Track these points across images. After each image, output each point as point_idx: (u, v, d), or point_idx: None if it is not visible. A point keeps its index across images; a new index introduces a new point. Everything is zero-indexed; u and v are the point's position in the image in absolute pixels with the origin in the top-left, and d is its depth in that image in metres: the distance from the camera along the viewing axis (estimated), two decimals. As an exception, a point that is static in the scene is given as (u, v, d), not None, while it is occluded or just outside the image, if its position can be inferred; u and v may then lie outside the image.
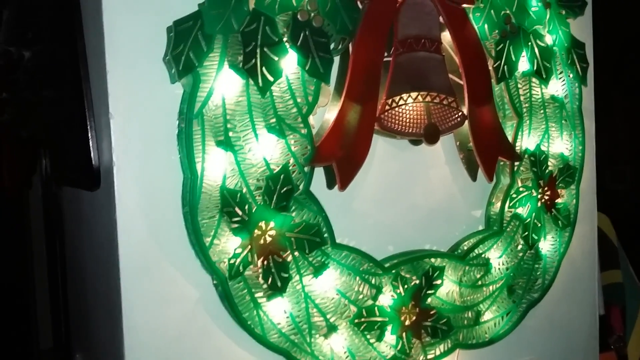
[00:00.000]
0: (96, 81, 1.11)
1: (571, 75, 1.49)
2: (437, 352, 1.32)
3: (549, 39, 1.44)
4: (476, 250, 1.37)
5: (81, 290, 1.57)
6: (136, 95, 1.05)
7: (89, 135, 1.13)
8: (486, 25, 1.34)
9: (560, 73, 1.48)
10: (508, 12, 1.36)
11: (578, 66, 1.50)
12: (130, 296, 1.05)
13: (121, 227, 1.04)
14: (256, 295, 1.11)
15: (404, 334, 1.26)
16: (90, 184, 1.16)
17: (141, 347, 1.06)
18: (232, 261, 1.07)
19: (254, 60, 1.05)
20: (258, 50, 1.06)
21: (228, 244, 1.07)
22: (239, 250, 1.08)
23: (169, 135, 1.07)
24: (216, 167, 1.05)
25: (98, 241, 1.21)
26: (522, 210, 1.42)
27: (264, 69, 1.06)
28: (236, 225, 1.07)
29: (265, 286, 1.11)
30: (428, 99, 1.25)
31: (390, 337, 1.24)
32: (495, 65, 1.35)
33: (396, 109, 1.22)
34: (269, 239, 1.10)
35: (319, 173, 1.21)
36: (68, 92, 1.25)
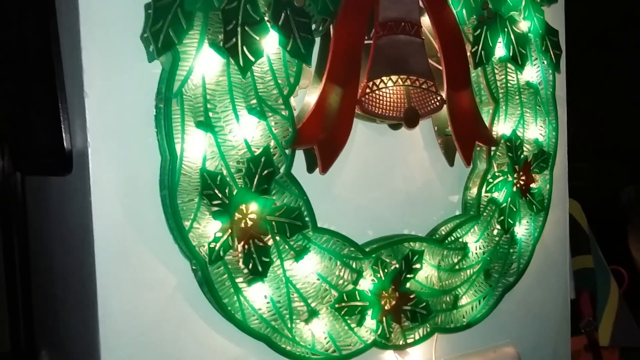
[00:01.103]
0: (68, 60, 1.07)
1: (545, 62, 1.51)
2: (417, 337, 1.32)
3: (524, 26, 1.45)
4: (454, 235, 1.37)
5: (48, 285, 1.52)
6: (112, 74, 1.01)
7: (61, 117, 1.09)
8: (464, 10, 1.34)
9: (535, 59, 1.49)
10: (485, -3, 1.37)
11: (552, 53, 1.52)
12: (106, 282, 1.02)
13: (96, 211, 1.01)
14: (236, 280, 1.08)
15: (384, 319, 1.25)
16: (61, 168, 1.11)
17: (117, 334, 1.03)
18: (212, 245, 1.05)
19: (234, 39, 1.03)
20: (239, 29, 1.03)
21: (208, 228, 1.05)
22: (219, 234, 1.05)
23: (146, 115, 1.03)
24: (196, 149, 1.02)
25: (70, 228, 1.17)
26: (498, 195, 1.43)
27: (244, 48, 1.04)
28: (216, 209, 1.04)
29: (245, 271, 1.08)
30: (408, 82, 1.24)
31: (370, 322, 1.24)
32: (472, 51, 1.36)
33: (377, 92, 1.21)
34: (249, 223, 1.08)
35: (298, 157, 1.19)
36: (37, 75, 1.20)
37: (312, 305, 1.17)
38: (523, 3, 1.44)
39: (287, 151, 1.12)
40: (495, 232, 1.44)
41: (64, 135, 1.09)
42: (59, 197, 1.29)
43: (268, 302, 1.12)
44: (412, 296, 1.29)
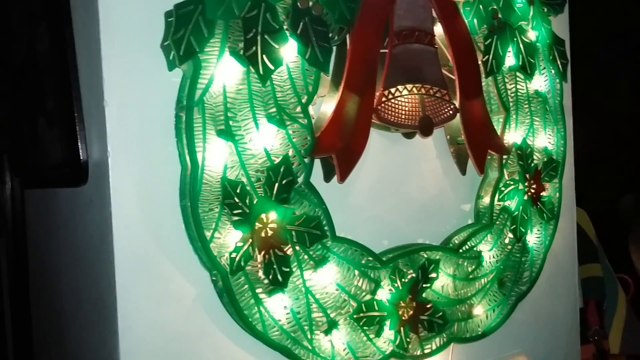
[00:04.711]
0: (85, 69, 1.06)
1: (553, 71, 1.52)
2: (433, 347, 1.30)
3: (532, 35, 1.47)
4: (468, 244, 1.37)
5: (53, 302, 1.48)
6: (131, 83, 1.00)
7: (77, 126, 1.07)
8: (475, 20, 1.35)
9: (543, 69, 1.50)
10: (495, 7, 1.38)
11: (559, 62, 1.53)
12: (126, 295, 0.99)
13: (116, 222, 0.99)
14: (257, 290, 1.07)
15: (402, 329, 1.24)
16: (77, 179, 1.09)
17: (137, 348, 1.01)
18: (233, 255, 1.03)
19: (254, 48, 1.02)
20: (259, 38, 1.03)
21: (228, 238, 1.03)
22: (240, 244, 1.03)
23: (165, 124, 1.02)
24: (217, 158, 1.01)
25: (84, 240, 1.14)
26: (510, 203, 1.44)
27: (264, 56, 1.03)
28: (237, 218, 1.03)
29: (266, 281, 1.07)
30: (422, 91, 1.24)
31: (388, 332, 1.22)
32: (484, 60, 1.37)
33: (392, 100, 1.21)
34: (270, 232, 1.06)
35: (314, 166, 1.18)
36: (50, 85, 1.18)
37: (332, 315, 1.15)
38: (531, 13, 1.46)
39: (305, 160, 1.11)
40: (507, 240, 1.43)
41: (79, 145, 1.07)
42: (68, 209, 1.27)
43: (288, 313, 1.11)
44: (429, 306, 1.28)
